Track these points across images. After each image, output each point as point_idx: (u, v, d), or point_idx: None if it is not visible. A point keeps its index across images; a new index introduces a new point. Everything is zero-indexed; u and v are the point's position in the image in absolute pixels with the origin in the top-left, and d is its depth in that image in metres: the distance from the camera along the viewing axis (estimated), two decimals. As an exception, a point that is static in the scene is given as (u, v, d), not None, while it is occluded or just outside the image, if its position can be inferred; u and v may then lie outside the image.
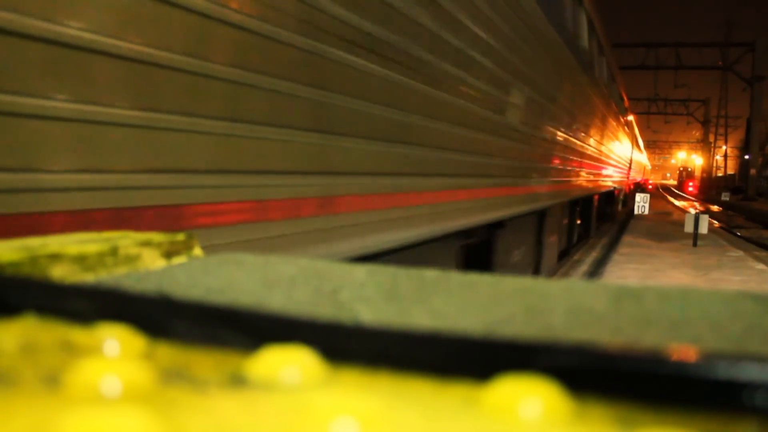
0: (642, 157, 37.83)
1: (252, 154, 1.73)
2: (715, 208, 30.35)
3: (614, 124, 13.78)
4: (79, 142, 1.23)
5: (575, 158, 8.16)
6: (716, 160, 61.70)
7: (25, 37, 1.11)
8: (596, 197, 12.65)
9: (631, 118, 20.39)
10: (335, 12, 2.03)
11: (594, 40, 9.29)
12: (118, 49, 1.28)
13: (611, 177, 13.85)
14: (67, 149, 1.22)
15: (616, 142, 14.68)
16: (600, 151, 10.96)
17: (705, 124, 59.61)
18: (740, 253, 10.44)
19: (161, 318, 0.36)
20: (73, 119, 1.22)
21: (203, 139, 1.54)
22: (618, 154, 15.15)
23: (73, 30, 1.19)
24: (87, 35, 1.22)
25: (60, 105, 1.19)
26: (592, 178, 10.24)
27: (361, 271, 0.59)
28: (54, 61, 1.17)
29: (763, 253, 10.90)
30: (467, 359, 0.31)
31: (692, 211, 15.92)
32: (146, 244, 0.62)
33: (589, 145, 9.38)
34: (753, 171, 38.26)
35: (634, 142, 23.15)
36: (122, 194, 1.33)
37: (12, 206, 1.12)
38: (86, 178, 1.25)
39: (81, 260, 0.56)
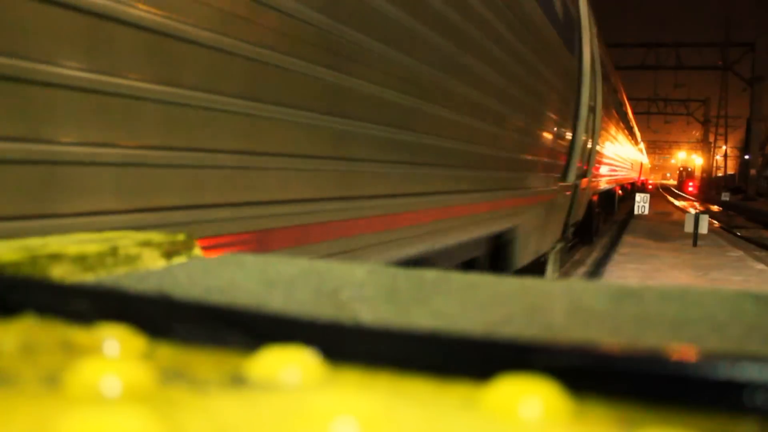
0: (634, 152, 23.03)
1: (262, 185, 1.73)
2: (715, 208, 30.29)
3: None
4: (91, 183, 1.24)
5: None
6: (716, 160, 61.71)
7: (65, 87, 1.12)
8: None
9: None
10: (351, 37, 2.02)
11: None
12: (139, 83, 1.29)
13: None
14: (83, 190, 1.22)
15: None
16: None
17: (705, 124, 59.62)
18: (740, 253, 10.44)
19: (161, 318, 0.36)
20: (96, 162, 1.22)
21: (215, 173, 1.54)
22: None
23: (91, 74, 1.20)
24: (114, 79, 1.23)
25: (83, 150, 1.19)
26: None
27: (361, 271, 0.59)
28: (74, 101, 1.18)
29: (763, 253, 10.90)
30: (467, 359, 0.31)
31: (692, 211, 15.89)
32: (146, 244, 0.62)
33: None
34: (753, 171, 38.25)
35: (611, 109, 11.51)
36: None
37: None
38: (110, 219, 1.26)
39: (81, 260, 0.56)
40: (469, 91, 3.25)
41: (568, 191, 6.18)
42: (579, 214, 7.45)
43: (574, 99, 5.94)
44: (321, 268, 0.60)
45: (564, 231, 6.52)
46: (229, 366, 0.32)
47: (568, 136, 5.79)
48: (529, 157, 4.56)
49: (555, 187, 5.50)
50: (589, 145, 7.20)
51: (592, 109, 6.85)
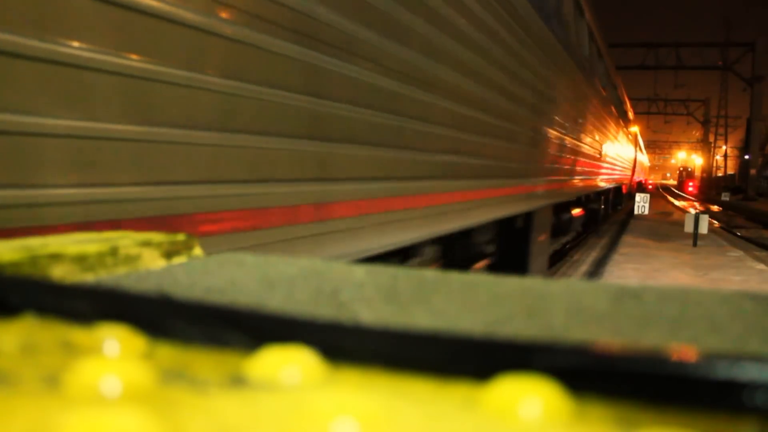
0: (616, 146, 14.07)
1: (247, 163, 1.73)
2: (715, 208, 30.26)
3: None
4: (77, 156, 1.24)
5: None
6: (716, 160, 61.70)
7: (22, 57, 1.12)
8: None
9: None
10: (329, 19, 2.03)
11: None
12: (115, 65, 1.29)
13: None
14: (66, 164, 1.22)
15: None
16: None
17: (705, 124, 59.63)
18: (740, 253, 10.43)
19: (161, 318, 0.36)
20: (71, 135, 1.22)
21: (198, 151, 1.55)
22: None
23: (70, 48, 1.20)
24: (84, 53, 1.22)
25: (58, 122, 1.19)
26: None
27: (361, 271, 0.59)
28: (52, 78, 1.17)
29: (763, 253, 10.89)
30: (467, 359, 0.31)
31: (692, 211, 15.84)
32: (146, 244, 0.62)
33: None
34: (753, 171, 38.23)
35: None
36: (121, 207, 1.34)
37: (13, 221, 1.13)
38: (85, 192, 1.26)
39: (81, 260, 0.56)
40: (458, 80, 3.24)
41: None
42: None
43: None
44: (321, 268, 0.60)
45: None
46: (229, 366, 0.32)
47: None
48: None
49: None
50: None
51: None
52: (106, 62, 1.27)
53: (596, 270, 8.30)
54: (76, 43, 1.21)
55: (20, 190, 1.14)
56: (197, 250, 0.67)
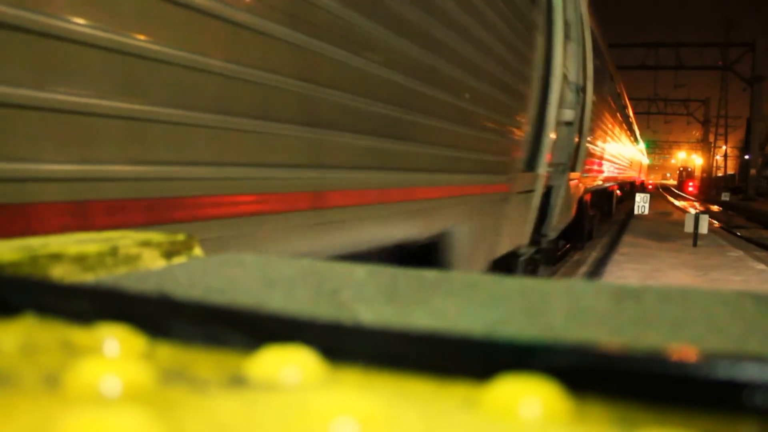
0: (635, 150, 20.45)
1: (244, 147, 1.73)
2: (715, 208, 30.26)
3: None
4: (73, 133, 1.24)
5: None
6: (716, 160, 61.70)
7: (23, 31, 1.12)
8: None
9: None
10: (328, 6, 2.04)
11: None
12: (112, 43, 1.29)
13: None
14: (63, 140, 1.22)
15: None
16: None
17: (705, 124, 59.67)
18: (740, 253, 10.43)
19: (161, 318, 0.36)
20: (67, 111, 1.22)
21: (195, 132, 1.55)
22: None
23: (66, 24, 1.20)
24: (81, 29, 1.22)
25: (53, 96, 1.19)
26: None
27: (361, 271, 0.59)
28: (49, 54, 1.17)
29: (763, 253, 10.89)
30: (467, 359, 0.31)
31: (692, 211, 15.84)
32: (146, 244, 0.63)
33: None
34: (753, 171, 38.27)
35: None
36: (118, 186, 1.34)
37: (10, 196, 1.12)
38: (82, 169, 1.26)
39: (81, 260, 0.56)
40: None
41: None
42: (564, 215, 6.14)
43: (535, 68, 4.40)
44: (321, 268, 0.60)
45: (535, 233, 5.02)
46: (229, 366, 0.32)
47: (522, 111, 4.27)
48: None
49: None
50: (575, 137, 5.98)
51: (579, 90, 5.60)
52: (104, 39, 1.27)
53: (596, 270, 8.29)
54: (79, 19, 1.21)
55: (9, 163, 1.13)
56: (197, 250, 0.67)
